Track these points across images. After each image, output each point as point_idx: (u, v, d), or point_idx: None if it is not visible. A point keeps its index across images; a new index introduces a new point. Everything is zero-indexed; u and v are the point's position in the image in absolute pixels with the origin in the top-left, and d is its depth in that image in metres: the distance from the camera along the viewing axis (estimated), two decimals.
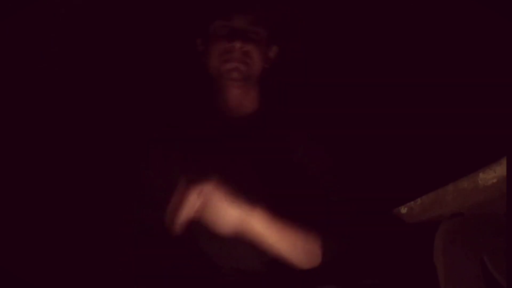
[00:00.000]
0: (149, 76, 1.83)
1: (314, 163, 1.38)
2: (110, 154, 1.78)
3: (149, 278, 1.31)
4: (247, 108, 1.43)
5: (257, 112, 1.44)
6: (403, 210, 1.39)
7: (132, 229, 1.39)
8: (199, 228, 1.19)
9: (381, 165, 1.75)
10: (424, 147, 1.78)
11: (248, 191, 1.36)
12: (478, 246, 1.21)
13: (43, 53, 1.77)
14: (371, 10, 1.82)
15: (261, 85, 1.46)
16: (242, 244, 1.25)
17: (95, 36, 1.79)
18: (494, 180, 1.12)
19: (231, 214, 1.17)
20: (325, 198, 1.34)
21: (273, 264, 1.31)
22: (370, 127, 1.80)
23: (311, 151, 1.39)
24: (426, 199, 1.31)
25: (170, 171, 1.40)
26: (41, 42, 1.76)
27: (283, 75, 1.60)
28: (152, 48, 1.81)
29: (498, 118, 1.48)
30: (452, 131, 1.76)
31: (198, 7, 1.49)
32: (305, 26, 1.83)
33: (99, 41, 1.80)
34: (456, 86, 1.79)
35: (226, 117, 1.43)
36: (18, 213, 1.72)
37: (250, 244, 1.24)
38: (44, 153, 1.78)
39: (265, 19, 1.42)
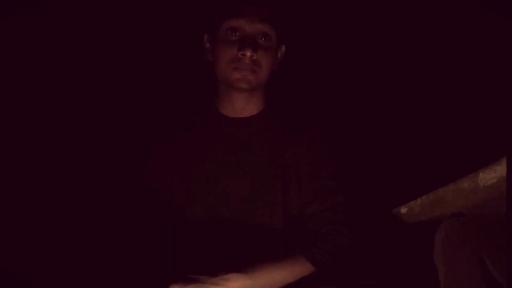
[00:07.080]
0: (152, 76, 1.83)
1: (315, 158, 1.38)
2: (112, 153, 1.78)
3: (151, 276, 1.31)
4: (251, 110, 1.42)
5: (261, 113, 1.43)
6: (403, 210, 1.39)
7: (132, 228, 1.39)
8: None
9: (381, 165, 1.75)
10: (424, 147, 1.78)
11: (248, 192, 1.39)
12: (478, 246, 1.21)
13: (45, 53, 1.77)
14: (377, 9, 1.81)
15: (266, 86, 1.44)
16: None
17: (96, 35, 1.79)
18: (494, 180, 1.12)
19: None
20: (322, 198, 1.35)
21: None
22: (371, 126, 1.80)
23: (313, 149, 1.39)
24: (426, 199, 1.32)
25: (171, 172, 1.40)
26: (43, 42, 1.76)
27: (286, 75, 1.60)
28: (155, 47, 1.81)
29: (498, 118, 1.49)
30: (453, 131, 1.76)
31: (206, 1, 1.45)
32: (310, 25, 1.82)
33: (100, 40, 1.80)
34: (456, 86, 1.79)
35: (230, 118, 1.42)
36: (18, 213, 1.72)
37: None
38: (45, 153, 1.78)
39: (276, 15, 1.35)
